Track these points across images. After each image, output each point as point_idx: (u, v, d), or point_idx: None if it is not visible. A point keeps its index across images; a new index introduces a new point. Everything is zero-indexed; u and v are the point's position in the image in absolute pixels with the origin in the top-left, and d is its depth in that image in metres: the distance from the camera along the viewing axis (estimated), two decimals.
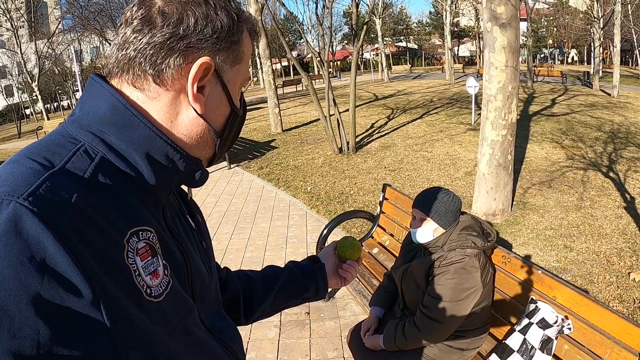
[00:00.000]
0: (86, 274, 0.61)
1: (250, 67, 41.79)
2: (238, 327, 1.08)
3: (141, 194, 0.77)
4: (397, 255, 3.17)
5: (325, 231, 4.12)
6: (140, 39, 0.75)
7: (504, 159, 6.00)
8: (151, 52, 0.74)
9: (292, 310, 4.12)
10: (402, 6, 71.37)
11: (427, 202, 2.43)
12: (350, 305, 4.14)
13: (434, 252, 2.40)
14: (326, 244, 4.06)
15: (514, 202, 6.56)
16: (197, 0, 0.77)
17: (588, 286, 4.42)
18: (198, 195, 8.18)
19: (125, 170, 0.74)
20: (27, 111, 50.86)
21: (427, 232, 2.41)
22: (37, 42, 32.70)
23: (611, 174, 7.76)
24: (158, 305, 0.73)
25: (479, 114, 6.41)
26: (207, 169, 0.90)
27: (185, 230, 0.92)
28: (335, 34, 61.49)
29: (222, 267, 1.25)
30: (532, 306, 2.36)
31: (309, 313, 4.08)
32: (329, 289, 1.39)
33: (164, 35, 0.74)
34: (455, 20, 53.66)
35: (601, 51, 27.97)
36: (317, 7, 9.51)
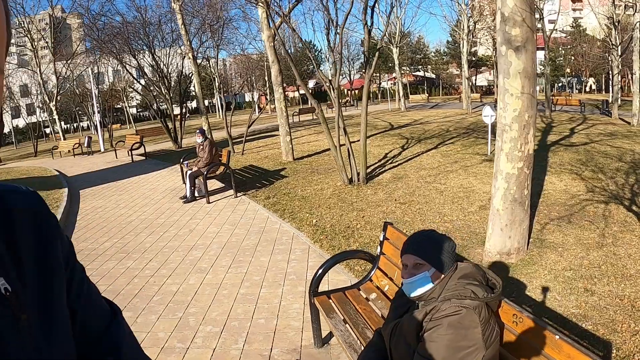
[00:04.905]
0: None
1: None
2: None
3: None
4: None
5: (320, 271, 3.77)
6: None
7: (519, 193, 5.59)
8: None
9: (282, 356, 3.77)
10: (419, 35, 71.82)
11: (419, 245, 2.10)
12: (343, 356, 3.74)
13: (427, 305, 2.04)
14: (321, 283, 3.76)
15: (531, 239, 6.12)
16: None
17: (611, 336, 3.98)
18: (200, 224, 7.90)
19: None
20: (47, 130, 51.88)
21: (424, 278, 2.06)
22: (56, 63, 33.54)
23: (634, 208, 7.32)
24: None
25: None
26: None
27: None
28: (353, 63, 61.85)
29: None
30: None
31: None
32: None
33: None
34: (473, 49, 53.69)
35: (620, 79, 27.68)
36: (329, 33, 9.29)
